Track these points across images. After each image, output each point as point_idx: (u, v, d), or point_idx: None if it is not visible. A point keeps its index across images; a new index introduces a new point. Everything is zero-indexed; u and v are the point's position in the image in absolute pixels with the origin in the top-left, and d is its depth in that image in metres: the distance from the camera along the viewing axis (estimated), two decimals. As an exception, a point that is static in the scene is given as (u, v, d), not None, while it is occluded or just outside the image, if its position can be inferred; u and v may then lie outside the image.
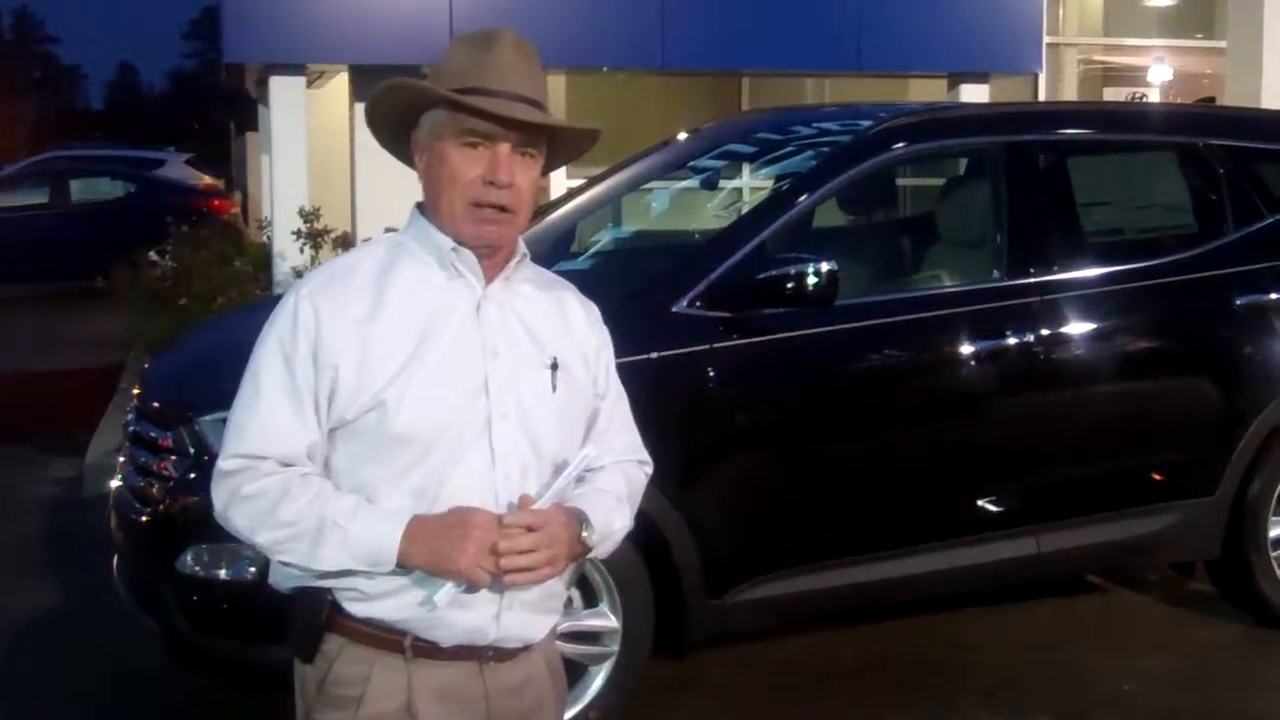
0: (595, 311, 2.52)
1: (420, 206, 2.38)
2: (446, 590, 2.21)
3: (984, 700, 5.05)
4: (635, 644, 4.64)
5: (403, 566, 2.21)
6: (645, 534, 4.55)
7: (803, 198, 5.12)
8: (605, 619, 4.60)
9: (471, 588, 2.22)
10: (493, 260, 2.33)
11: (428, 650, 2.28)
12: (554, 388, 2.35)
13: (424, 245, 2.34)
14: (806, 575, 4.88)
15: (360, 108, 10.80)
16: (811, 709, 5.02)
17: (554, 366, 2.36)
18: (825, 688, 5.18)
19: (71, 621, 5.89)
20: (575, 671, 4.59)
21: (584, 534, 2.30)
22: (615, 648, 4.63)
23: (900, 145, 5.36)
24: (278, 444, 2.26)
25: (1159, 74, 15.02)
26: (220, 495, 2.30)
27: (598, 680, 4.61)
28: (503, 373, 2.30)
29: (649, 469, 2.61)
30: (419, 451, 2.24)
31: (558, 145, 2.39)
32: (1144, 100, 14.15)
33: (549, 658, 2.47)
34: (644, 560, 4.61)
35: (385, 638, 2.28)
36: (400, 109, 2.35)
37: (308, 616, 2.30)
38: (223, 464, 2.30)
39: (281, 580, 2.35)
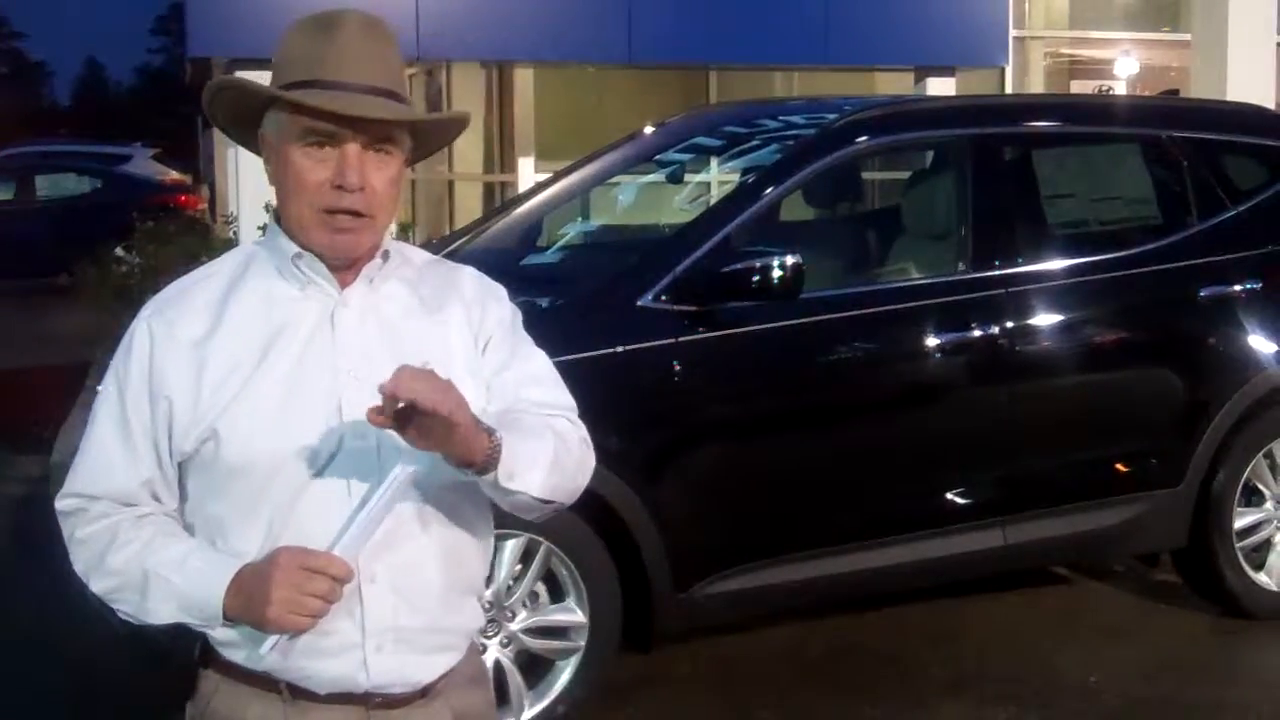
0: (495, 288, 2.24)
1: (277, 214, 2.14)
2: (269, 643, 1.98)
3: (951, 691, 5.06)
4: (603, 638, 4.64)
5: (231, 620, 2.00)
6: (612, 528, 4.56)
7: (768, 191, 5.12)
8: (572, 614, 4.59)
9: (322, 631, 1.98)
10: (352, 266, 2.10)
11: (305, 694, 2.07)
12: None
13: (272, 254, 2.11)
14: (774, 568, 4.89)
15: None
16: (779, 701, 5.02)
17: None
18: (793, 680, 5.18)
19: (38, 621, 5.83)
20: (543, 667, 4.60)
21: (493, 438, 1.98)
22: (583, 642, 4.62)
23: (864, 139, 5.36)
24: (109, 483, 2.07)
25: (1125, 67, 15.09)
26: (65, 534, 2.13)
27: (565, 675, 4.60)
28: (360, 393, 1.97)
29: (583, 432, 2.20)
30: (259, 483, 2.01)
31: (423, 135, 2.16)
32: (1109, 93, 14.23)
33: (460, 706, 2.17)
34: (611, 554, 4.61)
35: (258, 677, 2.07)
36: (237, 109, 2.12)
37: (183, 652, 2.15)
38: (59, 503, 2.12)
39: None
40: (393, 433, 1.93)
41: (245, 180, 10.84)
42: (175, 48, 66.15)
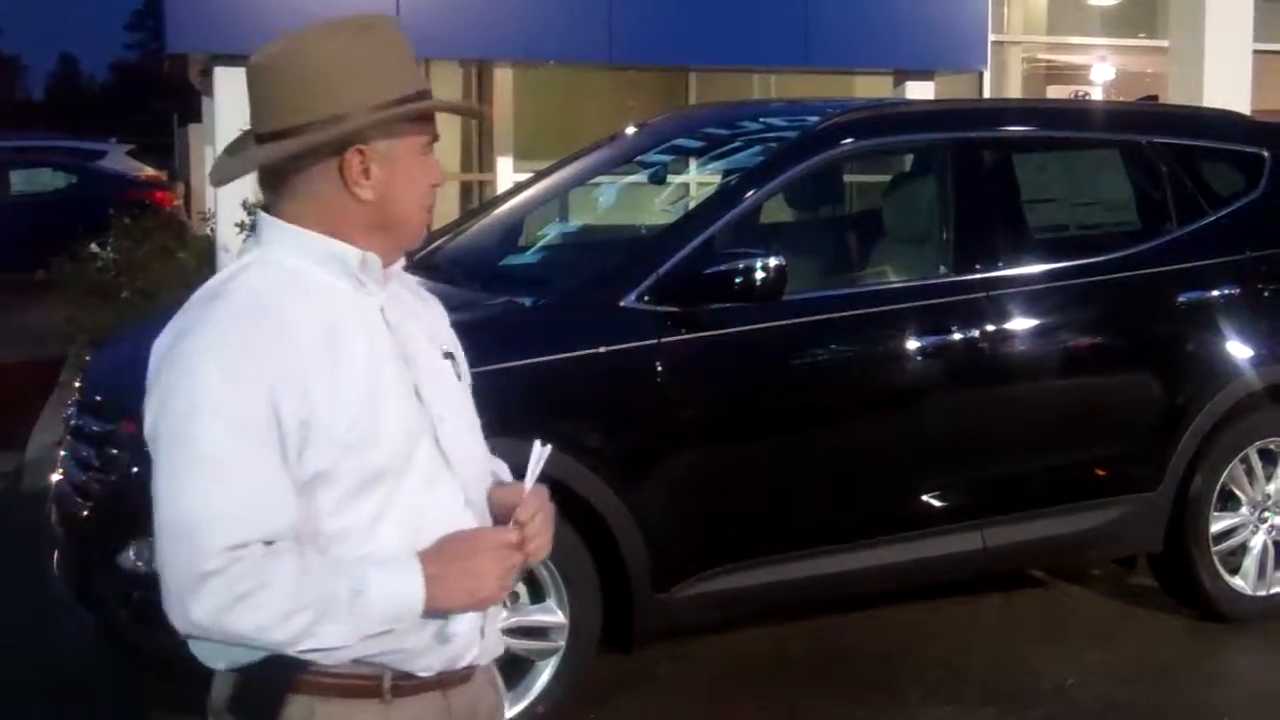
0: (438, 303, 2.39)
1: (267, 213, 2.12)
2: (468, 620, 2.11)
3: (929, 693, 5.07)
4: (582, 639, 4.64)
5: (426, 612, 2.05)
6: (592, 529, 4.56)
7: (751, 192, 5.13)
8: (552, 614, 4.59)
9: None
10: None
11: (405, 688, 2.10)
12: (459, 377, 2.27)
13: (317, 259, 2.09)
14: (754, 569, 4.89)
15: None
16: (759, 703, 5.02)
17: (449, 355, 2.26)
18: (773, 682, 5.19)
19: (10, 617, 5.81)
20: (522, 667, 4.59)
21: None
22: (562, 643, 4.62)
23: (849, 141, 5.38)
24: (269, 521, 1.95)
25: (1101, 73, 15.15)
26: (206, 602, 1.93)
27: (545, 675, 4.60)
28: (425, 376, 2.16)
29: None
30: (395, 479, 2.07)
31: None
32: (1087, 98, 14.28)
33: (491, 673, 2.34)
34: (591, 555, 4.60)
35: (360, 685, 2.07)
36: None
37: (263, 686, 2.05)
38: (206, 565, 1.92)
39: (214, 656, 2.09)
40: (458, 407, 2.21)
41: (223, 177, 10.77)
42: (150, 43, 65.93)
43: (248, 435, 1.95)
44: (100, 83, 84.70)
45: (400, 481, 2.08)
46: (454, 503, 2.14)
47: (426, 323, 2.27)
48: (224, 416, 1.94)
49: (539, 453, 2.21)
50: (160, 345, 2.05)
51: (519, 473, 2.22)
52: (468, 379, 2.31)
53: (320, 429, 1.99)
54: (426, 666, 2.11)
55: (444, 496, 2.13)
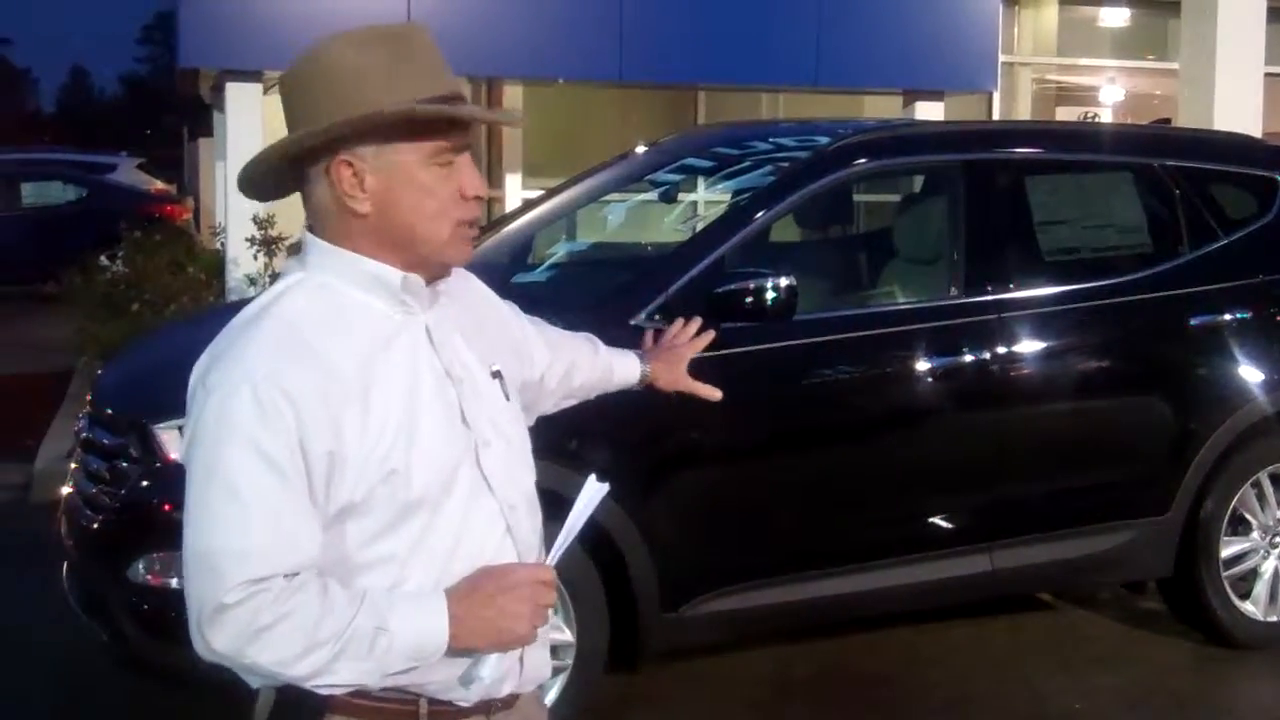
0: (478, 280, 2.36)
1: (311, 232, 2.08)
2: (493, 663, 2.03)
3: (937, 717, 5.06)
4: (590, 658, 4.63)
5: (451, 650, 2.00)
6: (601, 547, 4.55)
7: (763, 212, 5.12)
8: (560, 632, 4.57)
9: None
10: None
11: (443, 713, 2.06)
12: (507, 396, 2.19)
13: (359, 283, 2.04)
14: (762, 590, 4.88)
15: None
16: (765, 724, 5.02)
17: (497, 374, 2.18)
18: (779, 703, 5.17)
19: (19, 628, 5.81)
20: (529, 685, 4.58)
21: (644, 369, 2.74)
22: (570, 661, 4.61)
23: (863, 161, 5.37)
24: (290, 557, 1.92)
25: (1111, 94, 15.16)
26: (225, 633, 1.91)
27: (552, 694, 4.58)
28: (470, 398, 2.09)
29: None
30: (432, 508, 2.01)
31: None
32: (1095, 120, 14.29)
33: (538, 696, 2.29)
34: (599, 573, 4.59)
35: (397, 710, 2.04)
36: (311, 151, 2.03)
37: (299, 705, 2.02)
38: (225, 598, 1.89)
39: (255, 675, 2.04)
40: (505, 429, 2.14)
41: (234, 193, 10.79)
42: (161, 57, 66.12)
43: (275, 469, 1.92)
44: (110, 96, 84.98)
45: (437, 511, 2.02)
46: (492, 531, 2.08)
47: (473, 333, 2.19)
48: (253, 449, 1.92)
49: (593, 491, 2.13)
50: (199, 368, 2.03)
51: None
52: (516, 390, 2.26)
53: (351, 461, 1.96)
54: (463, 697, 2.06)
55: (482, 525, 2.07)
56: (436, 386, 2.06)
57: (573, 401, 2.69)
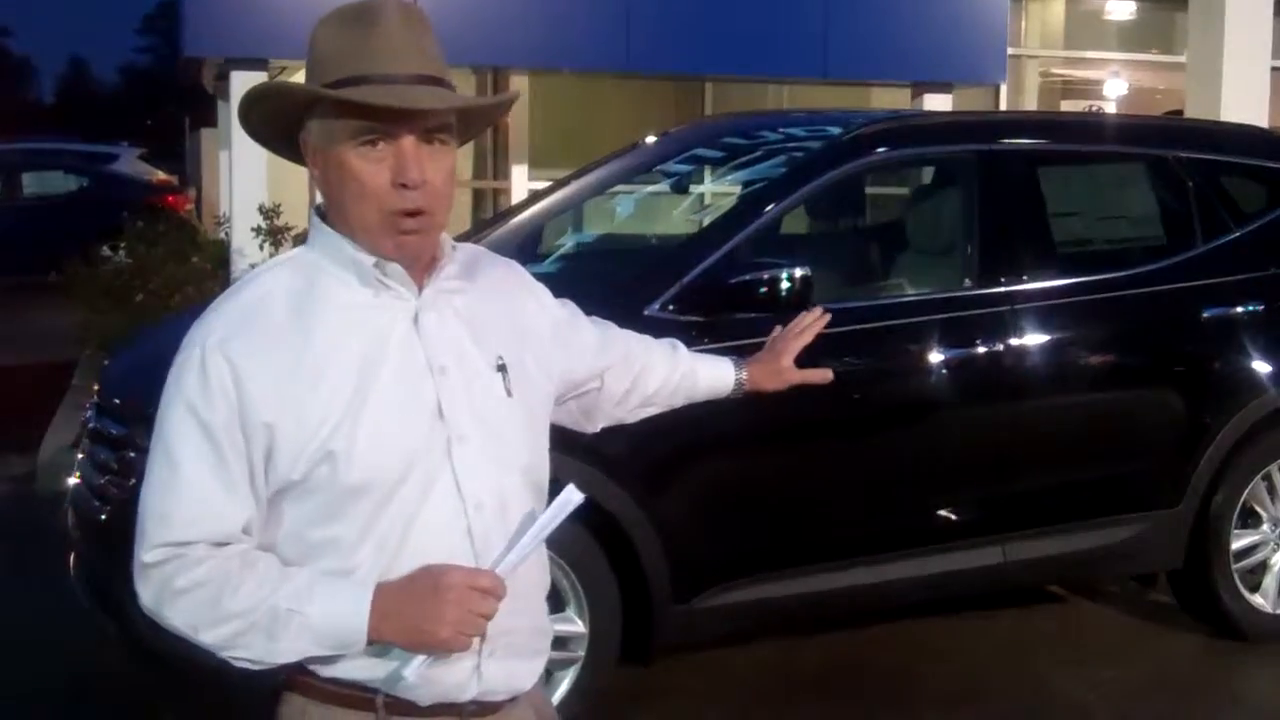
0: (513, 264, 2.30)
1: (320, 213, 2.07)
2: (417, 664, 1.95)
3: (947, 708, 5.05)
4: (602, 649, 4.61)
5: (373, 644, 1.94)
6: (613, 538, 4.53)
7: (780, 201, 5.10)
8: (572, 624, 4.56)
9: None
10: (420, 264, 2.05)
11: (402, 708, 2.02)
12: (509, 392, 2.09)
13: (340, 263, 2.02)
14: (774, 582, 4.87)
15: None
16: (776, 716, 5.00)
17: (501, 368, 2.09)
18: (790, 695, 5.16)
19: (24, 620, 5.79)
20: (541, 677, 4.55)
21: (740, 375, 2.67)
22: (582, 653, 4.59)
23: (883, 150, 5.36)
24: (209, 526, 1.94)
25: (1115, 88, 15.15)
26: (147, 590, 1.97)
27: (563, 686, 4.58)
28: (454, 390, 2.02)
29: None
30: (380, 498, 1.96)
31: (468, 120, 2.12)
32: (1100, 113, 14.26)
33: (538, 704, 2.21)
34: (611, 565, 4.58)
35: (353, 696, 2.01)
36: (275, 118, 2.04)
37: (260, 677, 2.01)
38: (145, 556, 1.95)
39: None
40: (494, 426, 2.05)
41: (239, 183, 10.79)
42: (162, 47, 66.10)
43: (209, 436, 1.93)
44: (110, 86, 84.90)
45: (388, 500, 1.97)
46: (450, 529, 2.00)
47: (486, 322, 2.12)
48: (190, 414, 1.94)
49: (565, 501, 2.01)
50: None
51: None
52: (531, 389, 2.15)
53: (290, 437, 1.94)
54: (419, 696, 2.01)
55: (439, 521, 1.99)
56: (409, 375, 2.01)
57: (655, 410, 2.62)
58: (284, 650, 1.93)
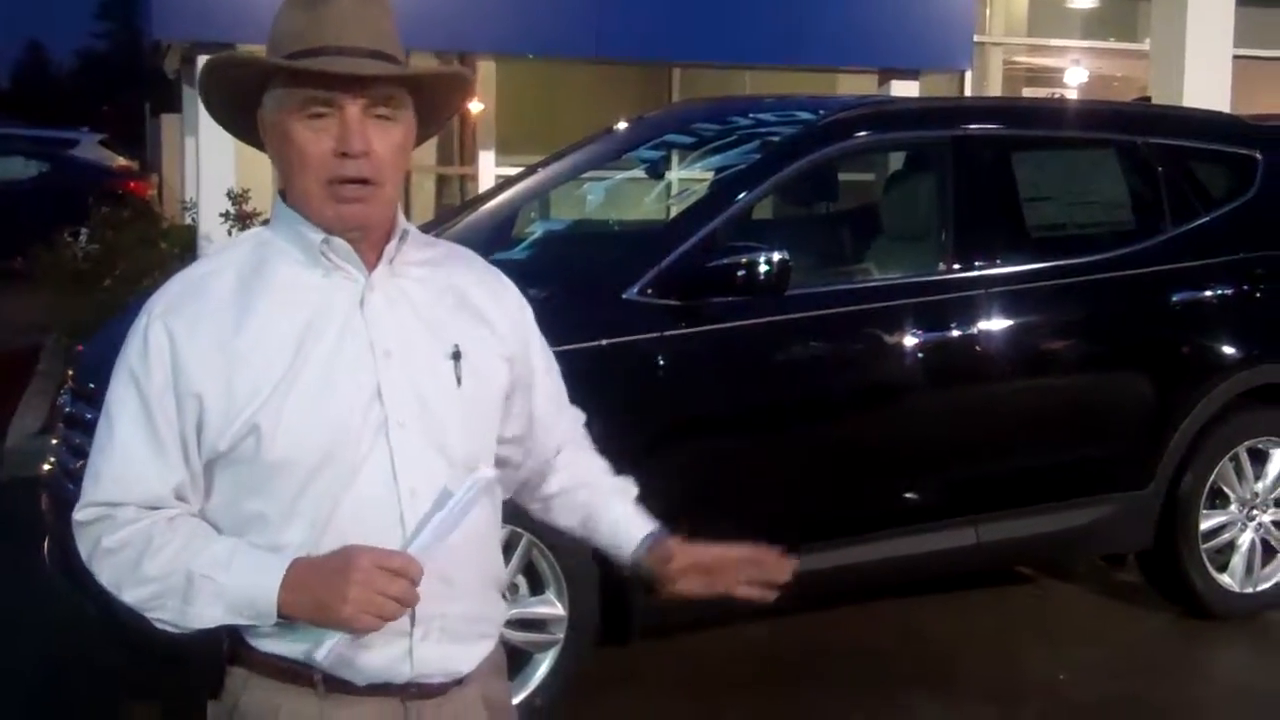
0: (503, 277, 2.25)
1: (283, 195, 2.07)
2: (329, 644, 1.94)
3: (923, 689, 5.09)
4: (581, 632, 4.63)
5: (286, 617, 1.94)
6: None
7: (759, 185, 5.13)
8: (552, 606, 4.58)
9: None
10: (370, 243, 2.04)
11: (342, 686, 2.02)
12: (458, 381, 2.06)
13: (291, 240, 2.04)
14: (750, 564, 4.88)
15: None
16: (752, 697, 5.03)
17: (455, 356, 2.06)
18: (766, 677, 5.19)
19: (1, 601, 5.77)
20: (520, 659, 4.58)
21: (640, 551, 2.32)
22: (561, 635, 4.61)
23: (863, 134, 5.40)
24: (137, 489, 1.99)
25: (1076, 75, 15.24)
26: (83, 547, 2.03)
27: (543, 668, 4.59)
28: (397, 374, 2.01)
29: (582, 420, 2.42)
30: (304, 476, 1.96)
31: (427, 103, 2.09)
32: (1067, 99, 14.34)
33: (488, 694, 2.17)
34: (591, 547, 4.58)
35: (293, 671, 2.02)
36: (235, 91, 2.05)
37: (206, 648, 2.05)
38: (78, 514, 2.02)
39: None
40: (438, 414, 2.03)
41: (206, 168, 10.73)
42: (120, 32, 65.47)
43: (143, 402, 1.99)
44: (67, 71, 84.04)
45: (313, 479, 1.97)
46: (379, 513, 1.99)
47: (443, 312, 2.10)
48: (130, 380, 2.00)
49: (477, 478, 2.00)
50: None
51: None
52: (483, 382, 2.11)
53: (218, 410, 1.97)
54: (354, 676, 2.02)
55: (368, 505, 1.99)
56: (348, 356, 2.01)
57: (537, 507, 2.41)
58: (197, 615, 1.96)
